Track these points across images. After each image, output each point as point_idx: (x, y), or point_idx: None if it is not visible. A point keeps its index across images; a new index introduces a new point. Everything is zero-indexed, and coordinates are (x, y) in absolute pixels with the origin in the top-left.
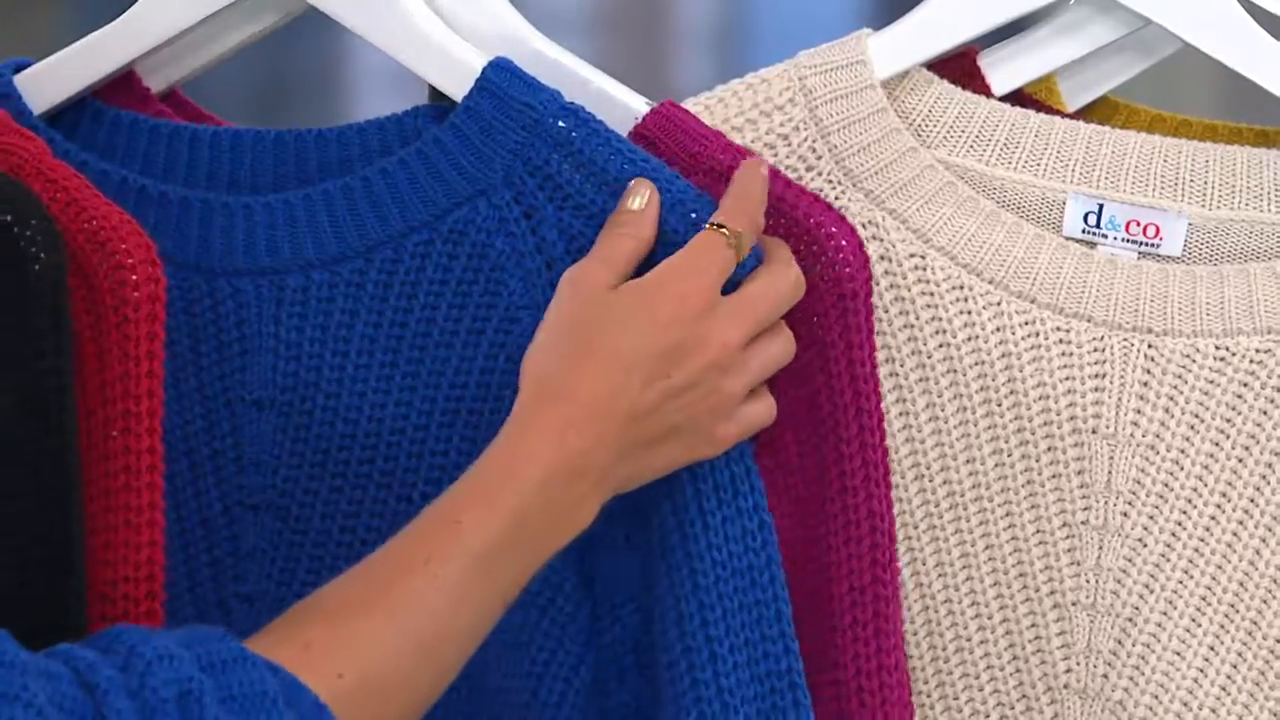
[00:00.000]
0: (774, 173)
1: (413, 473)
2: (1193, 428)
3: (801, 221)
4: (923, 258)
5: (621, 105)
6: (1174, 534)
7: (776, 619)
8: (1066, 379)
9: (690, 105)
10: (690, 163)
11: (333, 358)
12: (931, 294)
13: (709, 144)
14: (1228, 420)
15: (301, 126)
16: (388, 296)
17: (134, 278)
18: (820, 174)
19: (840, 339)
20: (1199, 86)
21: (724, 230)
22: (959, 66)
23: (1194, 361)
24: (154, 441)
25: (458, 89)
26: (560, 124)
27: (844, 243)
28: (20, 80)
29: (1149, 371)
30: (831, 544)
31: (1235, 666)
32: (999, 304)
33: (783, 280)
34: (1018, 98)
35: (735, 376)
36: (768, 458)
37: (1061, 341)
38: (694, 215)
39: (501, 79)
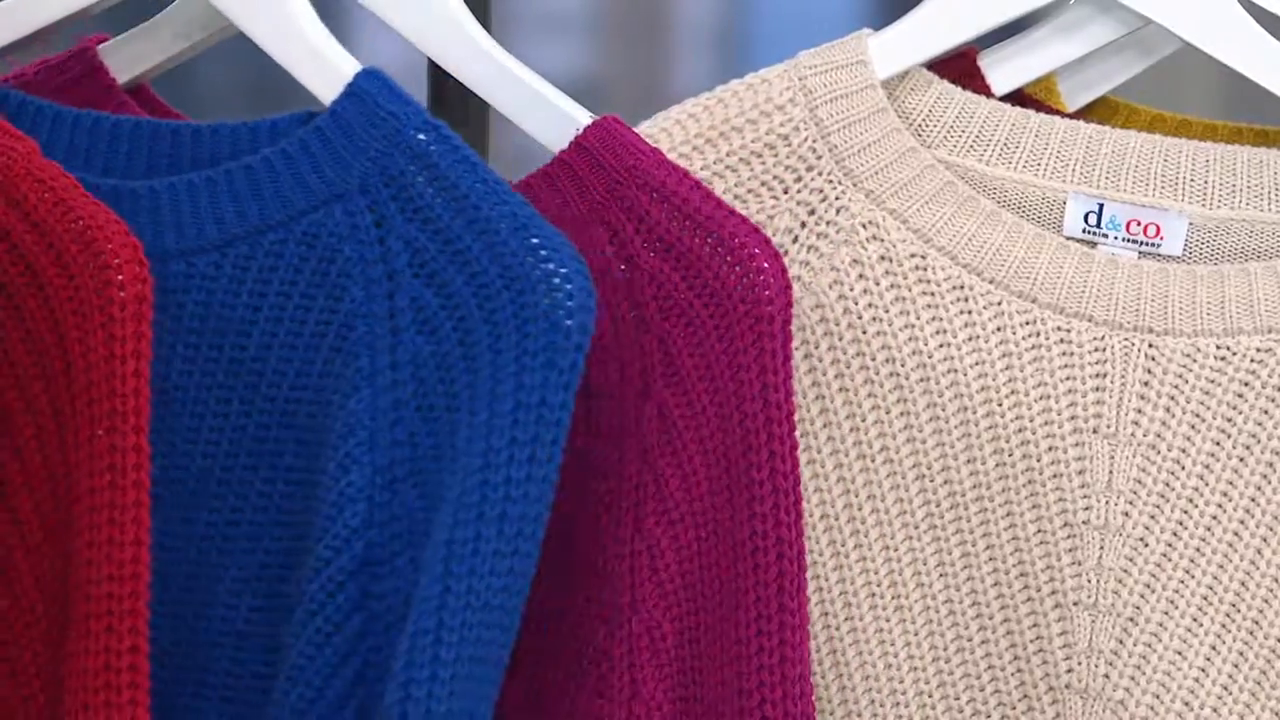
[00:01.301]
0: (705, 191)
1: (252, 471)
2: (1194, 427)
3: (726, 240)
4: (923, 258)
5: (563, 113)
6: (1175, 533)
7: (497, 663)
8: (1067, 379)
9: (690, 106)
10: (625, 176)
11: (184, 349)
12: (932, 294)
13: (645, 159)
14: (1229, 419)
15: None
16: (240, 292)
17: (120, 277)
18: (821, 174)
19: (754, 362)
20: (1199, 86)
21: None
22: (959, 66)
23: (1195, 361)
24: (140, 440)
25: (329, 94)
26: (421, 137)
27: (765, 264)
28: None
29: (1150, 371)
30: (739, 570)
31: (1237, 666)
32: (1000, 304)
33: None
34: (1017, 98)
35: None
36: (676, 481)
37: (1062, 341)
38: (535, 241)
39: (371, 87)
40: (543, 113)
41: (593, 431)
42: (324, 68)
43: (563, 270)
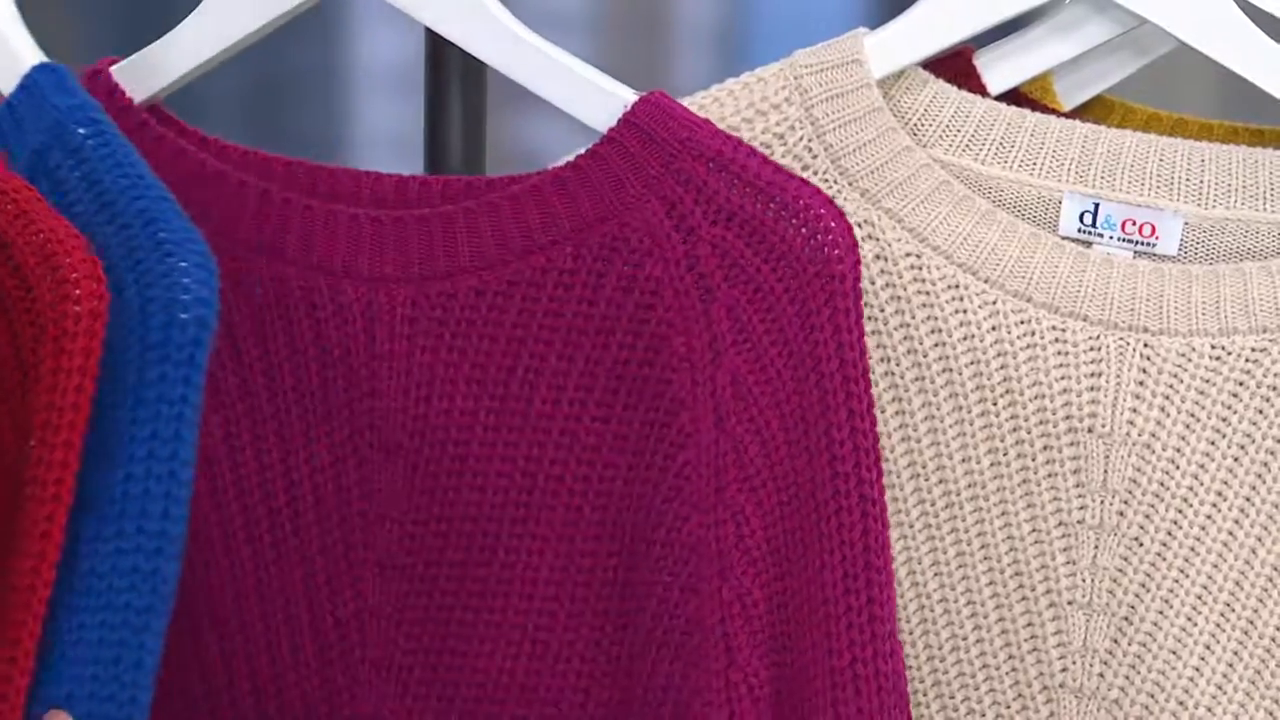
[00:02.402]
0: (762, 157)
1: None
2: (1188, 426)
3: (790, 204)
4: (918, 257)
5: (607, 93)
6: (1170, 533)
7: (135, 667)
8: (1062, 378)
9: (686, 104)
10: (680, 148)
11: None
12: (927, 293)
13: (699, 130)
14: (1223, 419)
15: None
16: None
17: (76, 292)
18: (816, 173)
19: (829, 322)
20: (1196, 85)
21: None
22: (954, 65)
23: (1190, 360)
24: (67, 455)
25: (7, 85)
26: (81, 131)
27: (832, 224)
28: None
29: (1145, 371)
30: (824, 531)
31: (1231, 665)
32: (994, 303)
33: None
34: (1013, 97)
35: None
36: (755, 447)
37: (1057, 340)
38: (161, 235)
39: (45, 79)
40: (586, 93)
41: (661, 406)
42: (8, 59)
43: (183, 264)
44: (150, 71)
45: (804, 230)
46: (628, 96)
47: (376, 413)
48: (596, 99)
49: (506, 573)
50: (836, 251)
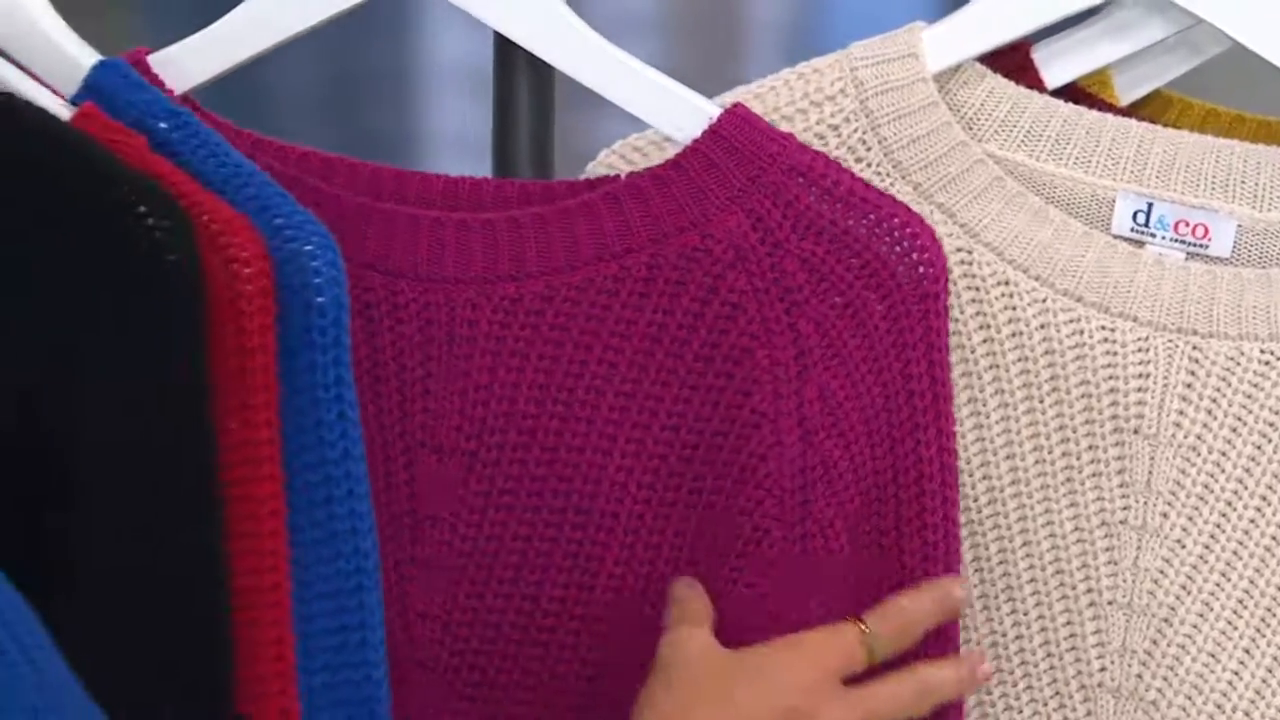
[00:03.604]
0: (851, 173)
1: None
2: (1235, 430)
3: (885, 220)
4: (969, 253)
5: (690, 104)
6: (1213, 535)
7: (361, 645)
8: (1110, 378)
9: (740, 94)
10: (769, 162)
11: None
12: (977, 289)
13: (787, 144)
14: (1270, 424)
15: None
16: None
17: (248, 271)
18: (869, 165)
19: (921, 340)
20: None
21: (864, 628)
22: (1012, 60)
23: (1238, 365)
24: (272, 433)
25: (68, 87)
26: (162, 125)
27: (928, 242)
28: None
29: (1193, 373)
30: (906, 550)
31: (1271, 670)
32: (1044, 301)
33: (907, 689)
34: (1071, 91)
35: None
36: (844, 462)
37: (1106, 340)
38: (278, 221)
39: (108, 78)
40: (668, 105)
41: (739, 419)
42: (60, 59)
43: (307, 248)
44: (190, 63)
45: (899, 247)
46: (710, 109)
47: (430, 413)
48: (679, 108)
49: (562, 582)
50: (932, 270)
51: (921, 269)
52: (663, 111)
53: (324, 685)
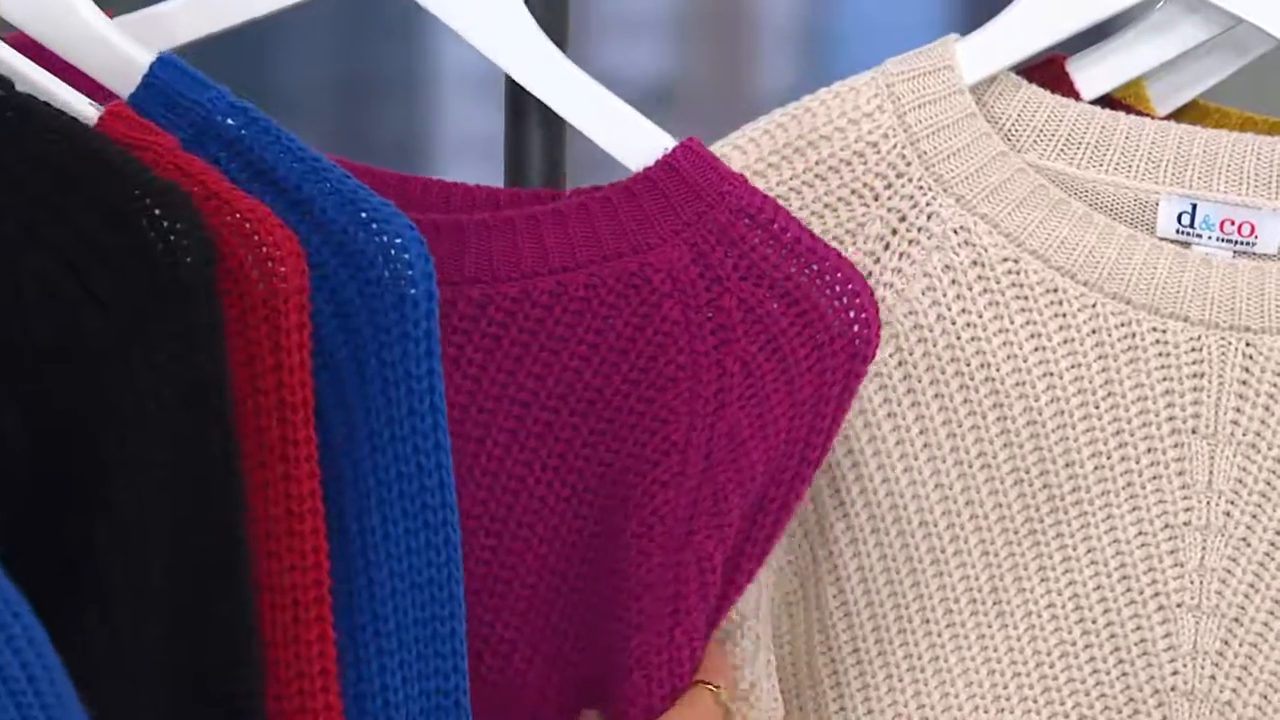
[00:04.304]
0: (799, 222)
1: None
2: None
3: (829, 272)
4: (1016, 262)
5: (646, 132)
6: (1278, 531)
7: (450, 636)
8: (1164, 379)
9: (778, 116)
10: (718, 200)
11: None
12: (1026, 298)
13: (738, 184)
14: None
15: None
16: None
17: (282, 269)
18: (911, 180)
19: (838, 397)
20: None
21: (712, 688)
22: (1047, 71)
23: None
24: (309, 431)
25: (125, 87)
26: (230, 122)
27: (868, 301)
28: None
29: (1247, 370)
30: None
31: None
32: (1094, 306)
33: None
34: (1107, 103)
35: None
36: (736, 497)
37: (1158, 342)
38: (364, 215)
39: (169, 75)
40: (624, 131)
41: (652, 445)
42: (117, 60)
43: (398, 240)
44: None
45: (838, 302)
46: (666, 140)
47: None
48: (634, 136)
49: (481, 573)
50: (866, 331)
51: (857, 327)
52: (621, 139)
53: (409, 677)
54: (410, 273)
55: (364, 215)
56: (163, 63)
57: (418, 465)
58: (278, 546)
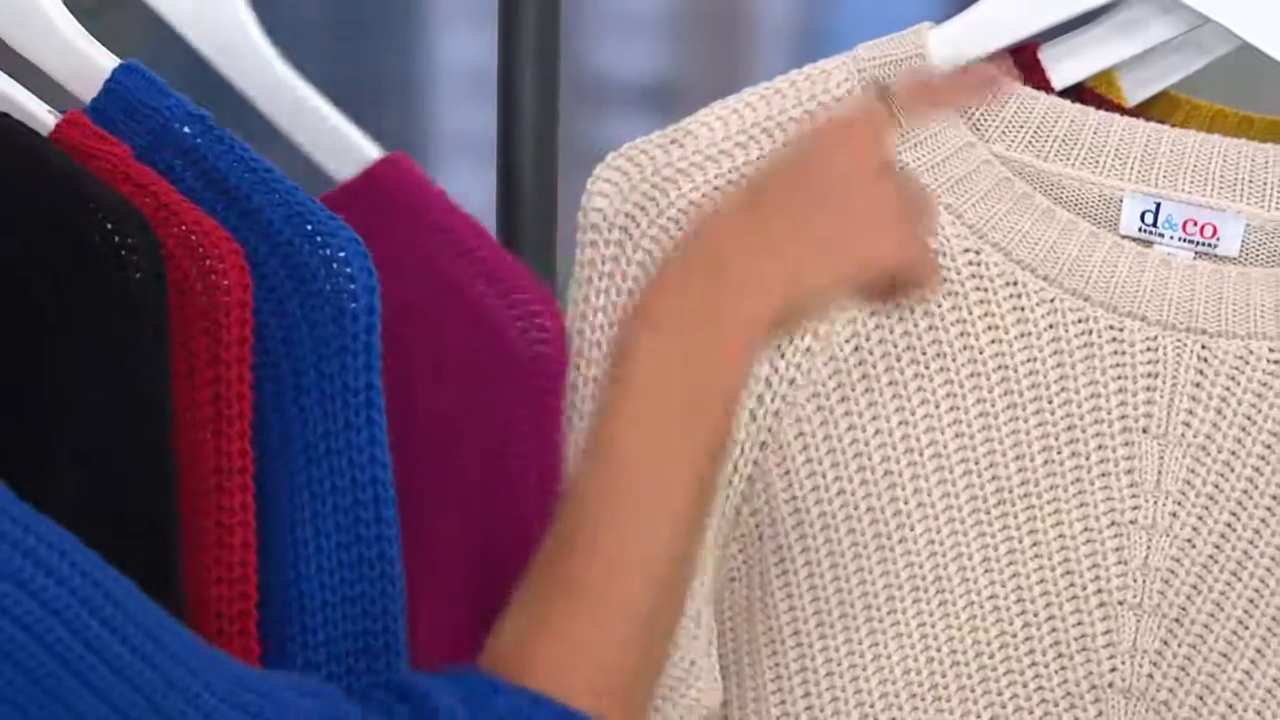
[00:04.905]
0: (492, 240)
1: None
2: (1244, 430)
3: (509, 288)
4: (977, 253)
5: (352, 144)
6: (1223, 535)
7: (384, 651)
8: (1118, 378)
9: (747, 95)
10: (417, 217)
11: None
12: (985, 289)
13: (435, 200)
14: None
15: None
16: None
17: (225, 282)
18: None
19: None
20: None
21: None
22: (1019, 60)
23: (1247, 364)
24: (244, 444)
25: (88, 91)
26: (186, 130)
27: (549, 323)
28: None
29: (1201, 373)
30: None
31: None
32: (1052, 301)
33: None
34: (1078, 91)
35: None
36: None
37: (1114, 340)
38: (310, 227)
39: (131, 81)
40: (331, 140)
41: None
42: (82, 63)
43: (341, 254)
44: None
45: (521, 323)
46: (371, 153)
47: None
48: (339, 145)
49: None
50: (546, 350)
51: (539, 346)
52: (329, 149)
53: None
54: (352, 286)
55: (309, 228)
56: (126, 69)
57: (352, 479)
58: (206, 559)
